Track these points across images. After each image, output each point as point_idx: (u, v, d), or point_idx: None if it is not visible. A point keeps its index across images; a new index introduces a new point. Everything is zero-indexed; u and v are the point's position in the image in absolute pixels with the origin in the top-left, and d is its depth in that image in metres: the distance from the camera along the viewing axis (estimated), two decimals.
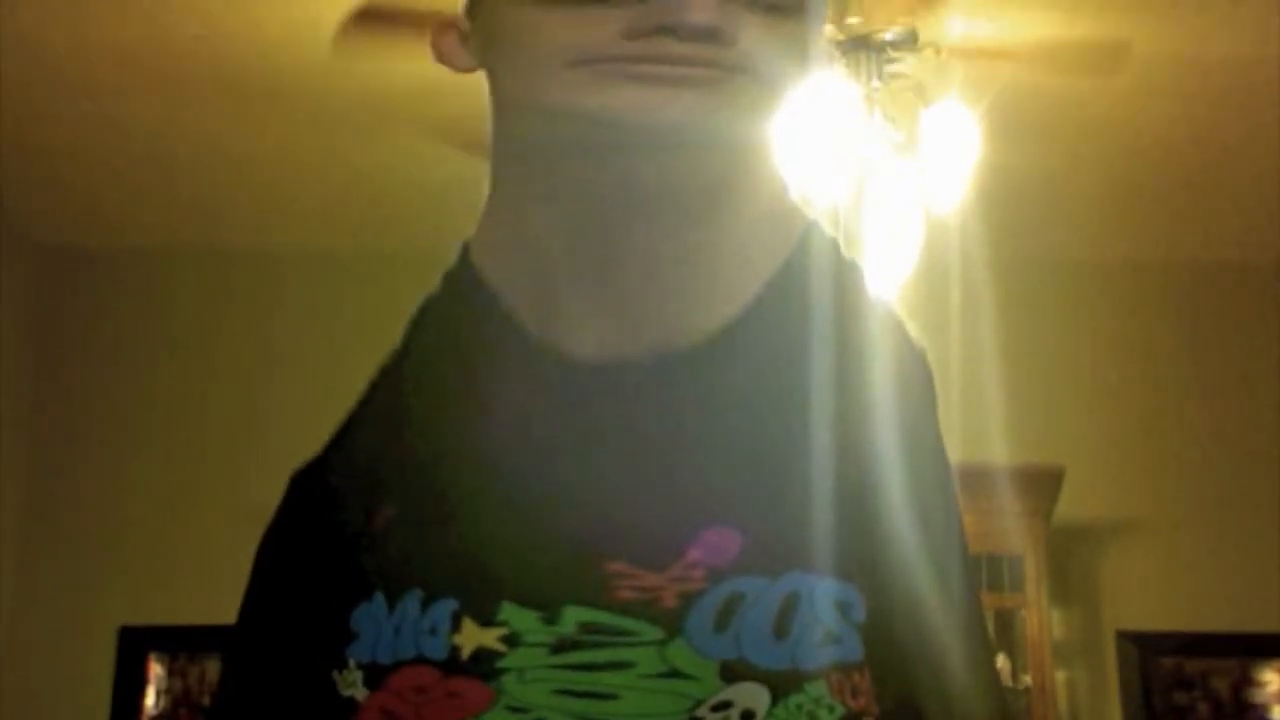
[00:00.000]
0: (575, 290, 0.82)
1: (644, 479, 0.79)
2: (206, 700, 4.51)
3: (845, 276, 0.86)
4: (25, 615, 4.55)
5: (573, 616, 0.75)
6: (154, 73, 3.80)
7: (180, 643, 4.47)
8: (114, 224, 4.73)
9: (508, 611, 0.76)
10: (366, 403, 0.89)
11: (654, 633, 0.74)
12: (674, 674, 0.74)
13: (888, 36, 3.26)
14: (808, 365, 0.81)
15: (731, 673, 0.73)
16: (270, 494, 0.90)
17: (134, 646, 4.51)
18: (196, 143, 4.18)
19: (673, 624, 0.74)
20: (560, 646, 0.75)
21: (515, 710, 0.74)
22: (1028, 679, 4.15)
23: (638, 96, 0.76)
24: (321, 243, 4.73)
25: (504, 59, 0.82)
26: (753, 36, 0.78)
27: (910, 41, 3.27)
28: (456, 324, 0.88)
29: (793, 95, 0.81)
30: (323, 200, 4.54)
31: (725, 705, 0.73)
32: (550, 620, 0.75)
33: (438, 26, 0.87)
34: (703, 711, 0.73)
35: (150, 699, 4.51)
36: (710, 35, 0.76)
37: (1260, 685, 4.48)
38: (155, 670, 4.52)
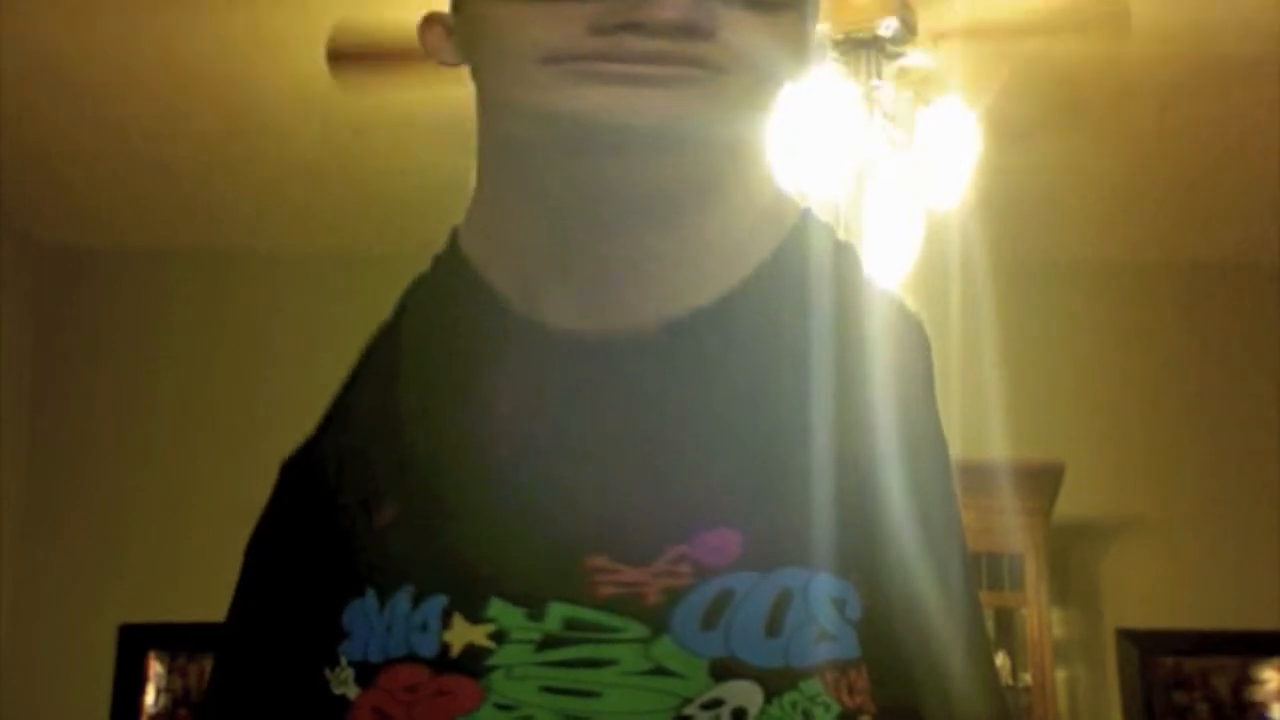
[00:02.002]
0: (559, 285, 0.81)
1: (628, 470, 0.77)
2: None
3: (840, 256, 0.84)
4: (25, 614, 4.55)
5: (557, 613, 0.74)
6: (154, 73, 3.79)
7: (180, 641, 4.46)
8: (114, 224, 4.72)
9: (496, 608, 0.74)
10: (355, 382, 0.88)
11: (638, 629, 0.73)
12: (660, 671, 0.72)
13: (887, 32, 3.25)
14: (801, 342, 0.79)
15: (722, 670, 0.72)
16: (269, 493, 0.90)
17: (134, 644, 4.51)
18: (196, 143, 4.18)
19: (657, 621, 0.73)
20: (546, 643, 0.73)
21: (503, 708, 0.73)
22: (1027, 677, 4.14)
23: (605, 97, 0.73)
24: (321, 243, 4.72)
25: (482, 55, 0.81)
26: (738, 32, 0.75)
27: (909, 32, 3.25)
28: (443, 304, 0.86)
29: (784, 92, 0.79)
30: (322, 201, 4.53)
31: (716, 703, 0.71)
32: (536, 617, 0.74)
33: (425, 20, 0.85)
34: (692, 709, 0.71)
35: (150, 697, 4.50)
36: (684, 31, 0.73)
37: (1260, 684, 4.47)
38: (155, 668, 4.52)
